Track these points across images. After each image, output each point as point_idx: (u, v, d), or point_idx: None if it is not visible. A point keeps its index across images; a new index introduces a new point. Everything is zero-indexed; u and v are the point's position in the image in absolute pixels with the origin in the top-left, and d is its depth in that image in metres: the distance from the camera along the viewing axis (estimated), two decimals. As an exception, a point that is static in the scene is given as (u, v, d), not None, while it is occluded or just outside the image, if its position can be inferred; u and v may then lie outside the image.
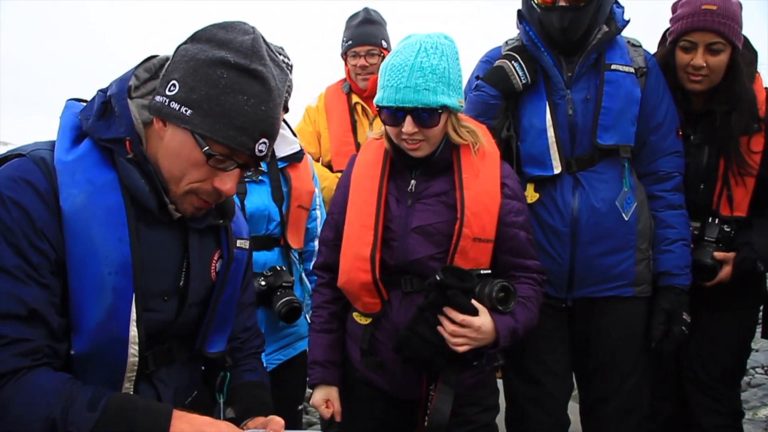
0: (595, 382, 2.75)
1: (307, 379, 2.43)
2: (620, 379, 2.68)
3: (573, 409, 2.84)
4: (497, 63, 2.71)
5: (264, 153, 1.49)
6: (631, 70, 2.64)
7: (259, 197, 2.68)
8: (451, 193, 2.23)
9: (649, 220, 2.69)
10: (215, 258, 1.72)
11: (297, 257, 2.88)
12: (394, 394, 2.33)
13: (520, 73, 2.65)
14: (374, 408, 2.40)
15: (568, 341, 2.80)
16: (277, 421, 1.53)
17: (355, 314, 2.34)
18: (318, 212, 3.00)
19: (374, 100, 2.19)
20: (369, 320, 2.30)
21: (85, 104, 1.54)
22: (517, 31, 2.77)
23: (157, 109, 1.45)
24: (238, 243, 1.76)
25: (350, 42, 3.82)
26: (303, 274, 2.92)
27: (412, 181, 2.27)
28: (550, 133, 2.64)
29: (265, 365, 2.49)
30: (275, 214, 2.72)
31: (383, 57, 3.64)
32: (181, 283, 1.62)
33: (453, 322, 2.05)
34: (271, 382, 1.98)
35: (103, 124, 1.46)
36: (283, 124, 2.82)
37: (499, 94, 2.68)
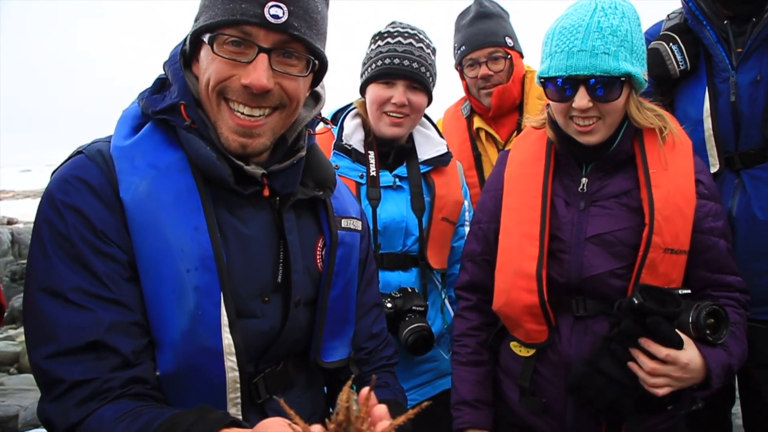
0: (761, 420, 2.26)
1: (453, 423, 1.99)
2: None
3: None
4: (653, 44, 2.29)
5: (281, 20, 1.20)
6: None
7: (395, 206, 2.27)
8: (635, 193, 1.81)
9: None
10: (320, 245, 1.42)
11: (440, 280, 2.45)
12: None
13: (679, 58, 2.22)
14: None
15: None
16: None
17: (513, 344, 1.93)
18: (467, 229, 2.49)
19: (537, 73, 1.79)
20: (531, 352, 1.88)
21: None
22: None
23: (190, 45, 1.28)
24: (344, 223, 1.45)
25: (464, 47, 2.86)
26: (446, 301, 2.48)
27: (583, 180, 1.85)
28: (707, 124, 2.20)
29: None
30: (414, 227, 2.29)
31: (511, 60, 2.84)
32: (279, 279, 1.33)
33: (652, 357, 1.60)
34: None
35: (158, 97, 1.28)
36: (426, 122, 2.45)
37: (651, 81, 2.26)
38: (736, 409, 2.49)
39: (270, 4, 1.19)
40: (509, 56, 2.84)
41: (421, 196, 2.30)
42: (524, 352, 1.89)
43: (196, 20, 1.26)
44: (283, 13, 1.20)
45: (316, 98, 1.44)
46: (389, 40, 2.23)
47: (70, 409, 1.09)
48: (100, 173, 1.19)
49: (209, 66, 1.22)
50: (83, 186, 1.18)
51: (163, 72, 1.33)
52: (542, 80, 1.76)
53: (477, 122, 2.92)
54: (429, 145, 2.38)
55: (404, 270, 2.29)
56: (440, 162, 2.37)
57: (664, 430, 1.86)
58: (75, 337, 1.11)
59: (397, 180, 2.28)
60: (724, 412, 2.51)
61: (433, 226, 2.31)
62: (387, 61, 2.20)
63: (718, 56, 2.19)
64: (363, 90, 2.30)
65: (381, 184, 2.24)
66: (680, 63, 2.23)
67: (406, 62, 2.20)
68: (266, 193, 1.29)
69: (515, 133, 2.90)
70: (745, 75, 2.15)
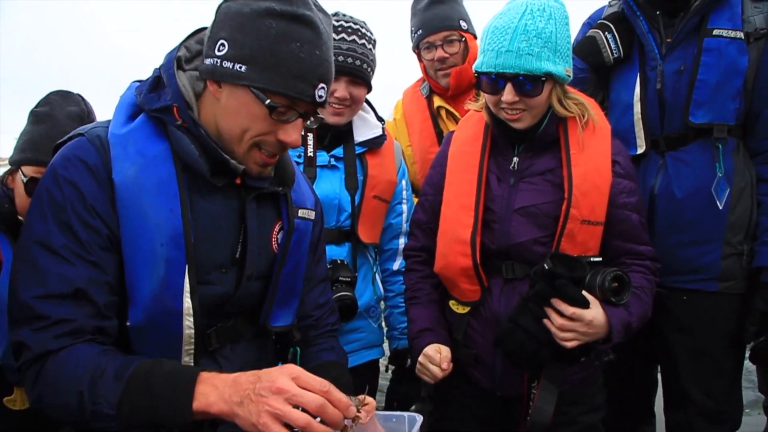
0: (675, 379, 2.51)
1: (412, 352, 2.18)
2: (703, 379, 2.43)
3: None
4: (590, 33, 2.51)
5: (323, 99, 1.45)
6: (740, 35, 2.26)
7: (329, 184, 2.42)
8: (558, 171, 2.04)
9: (748, 210, 2.34)
10: (276, 229, 1.66)
11: (372, 255, 2.63)
12: (491, 390, 2.16)
13: (613, 46, 2.45)
14: (469, 406, 2.23)
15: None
16: (369, 401, 1.40)
17: (451, 303, 2.18)
18: (404, 206, 2.66)
19: (473, 66, 2.02)
20: (467, 309, 2.13)
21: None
22: None
23: (209, 72, 1.42)
24: (300, 213, 1.70)
25: (420, 31, 2.98)
26: (376, 275, 2.65)
27: (515, 159, 2.08)
28: (637, 109, 2.42)
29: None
30: (346, 204, 2.44)
31: (465, 42, 2.96)
32: (237, 255, 1.56)
33: (562, 315, 1.86)
34: None
35: (154, 96, 1.46)
36: (366, 106, 2.62)
37: (587, 67, 2.51)
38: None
39: (319, 86, 1.41)
40: (464, 39, 2.95)
41: (355, 175, 2.46)
42: (460, 310, 2.15)
43: (229, 58, 1.38)
44: (325, 93, 1.45)
45: None
46: (333, 36, 2.33)
47: (49, 339, 1.30)
48: (97, 156, 1.38)
49: (253, 121, 1.41)
50: (81, 165, 1.37)
51: (157, 70, 1.51)
52: (477, 74, 1.99)
53: (437, 101, 3.07)
54: (365, 128, 2.54)
55: (337, 244, 2.44)
56: (374, 144, 2.53)
57: (581, 379, 2.12)
58: (62, 285, 1.31)
59: (332, 160, 2.44)
60: (649, 370, 2.78)
61: (364, 203, 2.47)
62: None
63: (648, 45, 2.39)
64: None
65: (317, 164, 2.39)
66: (614, 51, 2.44)
67: (349, 59, 2.37)
68: (238, 181, 1.52)
69: None
70: (670, 64, 2.35)
